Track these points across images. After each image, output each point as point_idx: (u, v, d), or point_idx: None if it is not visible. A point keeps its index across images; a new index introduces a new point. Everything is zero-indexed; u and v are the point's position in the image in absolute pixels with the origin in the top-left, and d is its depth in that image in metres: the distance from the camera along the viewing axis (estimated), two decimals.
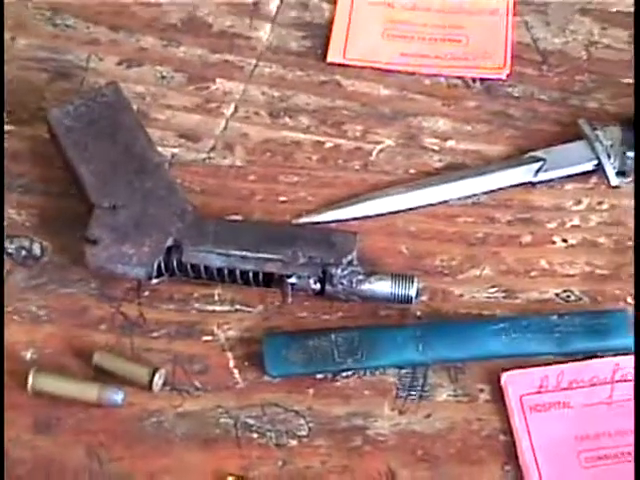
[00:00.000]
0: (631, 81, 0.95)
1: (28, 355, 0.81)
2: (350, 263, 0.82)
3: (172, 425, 0.78)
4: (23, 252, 0.85)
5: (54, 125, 0.87)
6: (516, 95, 0.95)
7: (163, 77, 0.96)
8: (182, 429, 0.78)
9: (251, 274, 0.82)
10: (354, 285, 0.82)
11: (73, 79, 0.95)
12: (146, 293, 0.84)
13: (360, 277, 0.82)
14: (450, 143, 0.92)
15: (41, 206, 0.88)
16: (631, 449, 0.77)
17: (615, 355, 0.81)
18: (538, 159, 0.89)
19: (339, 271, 0.82)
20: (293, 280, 0.82)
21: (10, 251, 0.85)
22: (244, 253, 0.82)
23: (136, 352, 0.81)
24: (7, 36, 0.98)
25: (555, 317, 0.82)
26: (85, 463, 0.76)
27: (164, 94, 0.95)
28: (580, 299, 0.84)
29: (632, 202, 0.88)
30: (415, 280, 0.82)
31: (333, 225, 0.87)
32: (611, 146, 0.88)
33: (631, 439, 0.78)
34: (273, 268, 0.82)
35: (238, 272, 0.82)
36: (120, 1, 1.00)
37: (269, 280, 0.83)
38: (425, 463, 0.77)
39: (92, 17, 0.99)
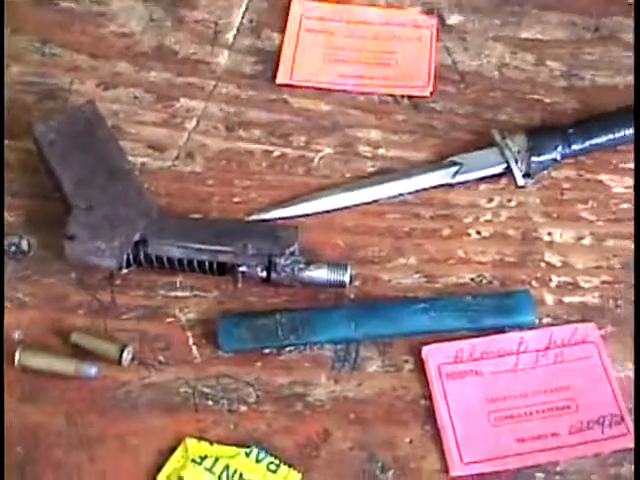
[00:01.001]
0: (536, 97, 0.94)
1: (16, 335, 0.80)
2: (292, 254, 0.82)
3: (139, 394, 0.78)
4: (13, 248, 0.85)
5: (39, 138, 0.86)
6: (438, 109, 0.94)
7: (135, 97, 0.94)
8: (147, 398, 0.78)
9: (207, 264, 0.82)
10: (296, 273, 0.82)
11: (58, 100, 0.94)
12: (117, 281, 0.83)
13: (301, 266, 0.82)
14: (381, 151, 0.92)
15: (28, 208, 0.88)
16: (533, 409, 0.78)
17: (520, 330, 0.81)
18: (456, 163, 0.89)
19: (283, 261, 0.81)
20: (243, 269, 0.81)
21: (4, 247, 0.85)
22: (201, 246, 0.82)
23: (109, 332, 0.81)
24: None
25: (469, 298, 0.82)
26: (65, 428, 0.76)
27: (135, 112, 0.94)
28: (491, 282, 0.84)
29: (536, 200, 0.88)
30: (348, 268, 0.82)
31: (279, 222, 0.86)
32: (518, 152, 0.88)
33: (533, 400, 0.78)
34: (226, 258, 0.82)
35: (196, 262, 0.82)
36: (99, 32, 0.99)
37: (223, 269, 0.82)
38: (356, 425, 0.77)
39: (75, 47, 0.98)
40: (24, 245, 0.86)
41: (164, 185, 0.90)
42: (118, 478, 0.75)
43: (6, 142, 0.91)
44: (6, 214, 0.87)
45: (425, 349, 0.81)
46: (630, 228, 0.87)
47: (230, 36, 0.99)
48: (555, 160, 0.89)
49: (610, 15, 1.00)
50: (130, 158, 0.89)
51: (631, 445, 0.77)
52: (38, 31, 0.99)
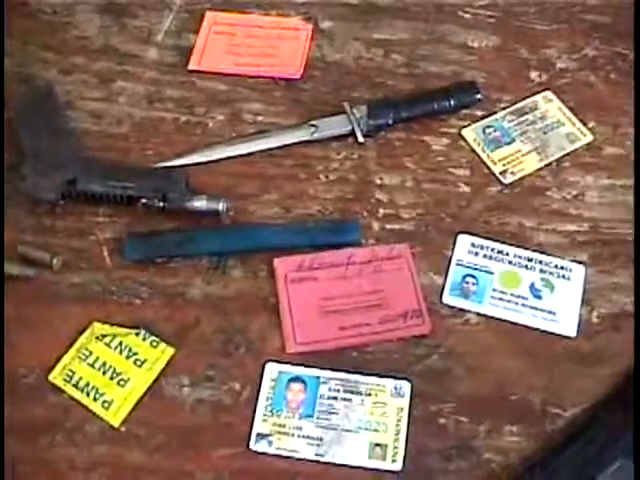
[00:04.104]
0: (382, 80, 0.89)
1: None
2: (181, 190, 0.79)
3: (65, 290, 0.76)
4: None
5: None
6: (306, 88, 0.89)
7: (84, 81, 0.89)
8: (70, 293, 0.76)
9: (119, 197, 0.79)
10: (183, 203, 0.78)
11: (30, 83, 0.89)
12: (57, 210, 0.80)
13: (187, 197, 0.78)
14: (260, 118, 0.87)
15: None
16: (354, 306, 0.74)
17: (350, 248, 0.78)
18: (313, 125, 0.85)
19: (174, 195, 0.78)
20: (145, 201, 0.78)
21: None
22: (115, 183, 0.79)
23: (47, 246, 0.78)
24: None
25: (311, 223, 0.80)
26: (12, 313, 0.74)
27: (84, 91, 0.88)
28: (332, 213, 0.81)
29: (373, 153, 0.84)
30: (222, 200, 0.78)
31: (180, 168, 0.82)
32: (360, 118, 0.84)
33: (355, 299, 0.75)
34: (133, 192, 0.78)
35: (112, 196, 0.79)
36: (64, 36, 0.93)
37: (130, 201, 0.79)
38: (220, 316, 0.75)
39: (45, 46, 0.92)
40: None
41: (99, 143, 0.85)
42: (47, 346, 0.72)
43: None
44: None
45: (276, 260, 0.77)
46: (444, 175, 0.83)
47: (159, 37, 0.93)
48: (388, 124, 0.85)
49: (442, 23, 0.94)
50: (76, 124, 0.86)
51: (426, 332, 0.74)
52: (21, 36, 0.93)
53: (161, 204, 0.78)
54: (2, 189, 0.80)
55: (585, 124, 0.86)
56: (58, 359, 0.71)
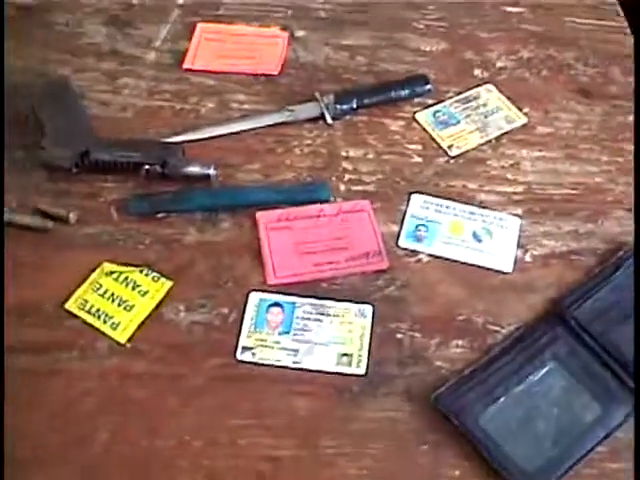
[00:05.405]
0: (348, 76, 1.03)
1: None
2: (179, 158, 0.91)
3: (79, 239, 0.87)
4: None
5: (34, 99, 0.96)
6: (283, 82, 1.02)
7: (95, 78, 1.02)
8: (83, 241, 0.87)
9: (125, 164, 0.91)
10: (181, 169, 0.91)
11: (51, 77, 1.01)
12: (72, 177, 0.91)
13: (183, 164, 0.91)
14: (245, 106, 1.00)
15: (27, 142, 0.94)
16: (324, 248, 0.87)
17: (320, 203, 0.90)
18: (290, 110, 0.98)
19: (173, 161, 0.90)
20: (147, 167, 0.90)
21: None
22: (122, 152, 0.91)
23: (64, 206, 0.89)
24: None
25: (287, 186, 0.92)
26: (36, 259, 0.86)
27: (94, 85, 1.01)
28: (306, 179, 0.93)
29: (340, 133, 0.97)
30: (213, 166, 0.91)
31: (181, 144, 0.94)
32: (329, 104, 0.98)
33: (325, 244, 0.87)
34: (137, 159, 0.90)
35: (119, 164, 0.91)
36: (77, 43, 1.06)
37: (135, 167, 0.91)
38: (211, 258, 0.86)
39: (62, 51, 1.05)
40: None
41: (107, 125, 0.97)
42: (64, 282, 0.84)
43: (11, 101, 0.97)
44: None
45: (258, 214, 0.90)
46: (400, 149, 0.97)
47: (158, 43, 1.07)
48: (353, 109, 0.99)
49: (399, 32, 1.10)
50: (87, 110, 0.98)
51: (384, 267, 0.86)
52: (41, 42, 1.07)
53: (161, 170, 0.91)
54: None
55: (520, 109, 1.01)
56: (73, 292, 0.83)
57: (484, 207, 0.92)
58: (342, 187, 0.93)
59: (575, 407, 0.76)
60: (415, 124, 1.00)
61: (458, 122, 0.99)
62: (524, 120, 1.00)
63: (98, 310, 0.82)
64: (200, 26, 1.09)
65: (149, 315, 0.83)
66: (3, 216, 0.87)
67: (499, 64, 1.07)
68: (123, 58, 1.06)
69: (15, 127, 0.96)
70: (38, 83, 1.00)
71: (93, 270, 0.85)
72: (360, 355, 0.80)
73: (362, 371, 0.79)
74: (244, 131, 0.98)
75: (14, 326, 0.80)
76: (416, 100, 1.02)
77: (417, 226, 0.90)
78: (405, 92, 1.01)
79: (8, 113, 0.97)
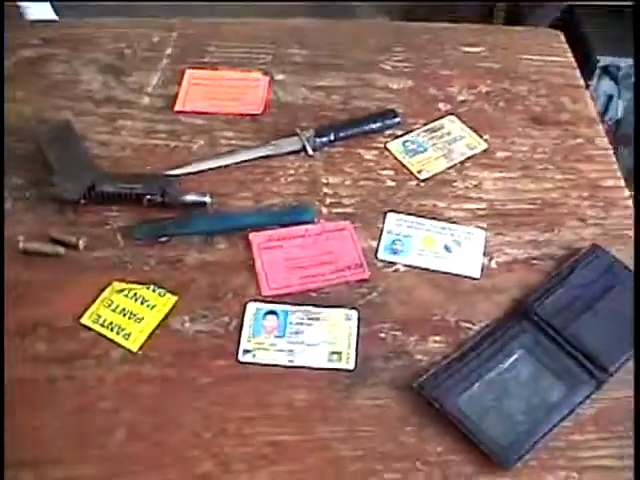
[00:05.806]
0: (325, 113, 1.13)
1: (20, 237, 0.97)
2: (177, 188, 1.00)
3: (89, 262, 0.95)
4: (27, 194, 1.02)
5: (41, 139, 1.06)
6: (266, 121, 1.12)
7: (93, 121, 1.11)
8: (94, 264, 0.95)
9: (128, 195, 0.99)
10: (179, 198, 1.00)
11: (52, 123, 1.09)
12: (80, 208, 0.99)
13: (181, 193, 1.00)
14: (232, 141, 1.08)
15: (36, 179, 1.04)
16: (311, 263, 0.96)
17: (306, 224, 1.00)
18: (274, 145, 1.07)
19: (172, 191, 1.00)
20: (149, 197, 0.99)
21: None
22: (124, 185, 1.00)
23: (73, 234, 0.97)
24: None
25: (276, 209, 1.01)
26: (48, 280, 0.94)
27: (93, 128, 1.10)
28: (293, 203, 1.02)
29: (320, 163, 1.07)
30: (208, 194, 1.00)
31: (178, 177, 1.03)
32: (309, 138, 1.08)
33: (311, 259, 0.96)
34: (139, 190, 0.99)
35: (123, 195, 0.99)
36: (74, 91, 1.16)
37: (138, 198, 1.00)
38: (211, 274, 0.94)
39: (60, 98, 1.14)
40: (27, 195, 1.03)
41: (108, 163, 1.06)
42: (78, 301, 0.92)
43: (18, 144, 1.07)
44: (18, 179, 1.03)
45: (251, 235, 0.99)
46: (374, 176, 1.07)
47: (150, 88, 1.17)
48: (330, 141, 1.10)
49: (369, 73, 1.21)
50: (89, 151, 1.08)
51: (366, 277, 0.96)
52: (42, 90, 1.16)
53: (161, 199, 1.00)
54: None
55: (481, 137, 1.13)
56: (86, 308, 0.91)
57: (453, 222, 1.02)
58: (324, 210, 1.03)
59: (541, 388, 0.86)
60: (387, 153, 1.10)
61: (425, 150, 1.11)
62: (485, 146, 1.12)
63: (111, 323, 0.91)
64: (189, 72, 1.20)
65: (157, 326, 0.91)
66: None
67: (460, 98, 1.19)
68: (119, 103, 1.15)
69: (24, 167, 1.05)
70: (43, 127, 1.09)
71: (104, 289, 0.93)
72: (349, 352, 0.90)
73: (351, 366, 0.88)
74: (233, 164, 1.07)
75: (34, 340, 0.88)
76: (387, 132, 1.13)
77: (394, 241, 1.00)
78: (377, 125, 1.12)
79: (16, 155, 1.06)
